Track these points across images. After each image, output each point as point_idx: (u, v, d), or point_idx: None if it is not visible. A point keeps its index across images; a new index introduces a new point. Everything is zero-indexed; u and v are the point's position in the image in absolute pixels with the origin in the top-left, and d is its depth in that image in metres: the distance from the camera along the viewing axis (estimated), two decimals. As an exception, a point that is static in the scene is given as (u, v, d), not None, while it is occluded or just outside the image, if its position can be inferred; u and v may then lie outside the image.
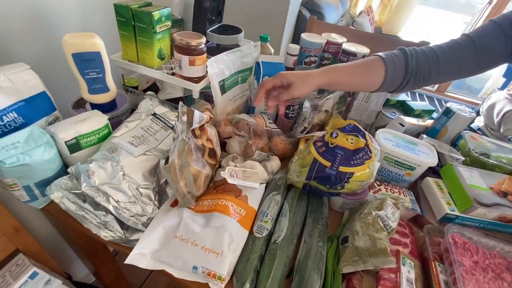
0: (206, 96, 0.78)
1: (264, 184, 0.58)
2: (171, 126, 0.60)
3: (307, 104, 0.66)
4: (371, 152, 0.52)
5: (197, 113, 0.51)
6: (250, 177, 0.55)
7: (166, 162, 0.46)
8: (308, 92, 0.55)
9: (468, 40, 0.52)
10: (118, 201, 0.48)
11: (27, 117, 0.49)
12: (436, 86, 2.94)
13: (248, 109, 0.80)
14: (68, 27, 0.70)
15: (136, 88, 0.76)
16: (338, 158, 0.51)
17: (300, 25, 1.36)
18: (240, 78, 0.73)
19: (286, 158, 0.66)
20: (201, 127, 0.54)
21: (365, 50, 0.76)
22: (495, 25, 0.50)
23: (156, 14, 0.59)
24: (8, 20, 0.57)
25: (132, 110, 0.65)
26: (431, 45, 0.55)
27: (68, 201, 0.47)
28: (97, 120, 0.53)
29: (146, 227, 0.48)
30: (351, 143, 0.53)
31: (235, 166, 0.58)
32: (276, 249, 0.45)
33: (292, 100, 0.68)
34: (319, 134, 0.62)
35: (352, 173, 0.50)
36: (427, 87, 3.00)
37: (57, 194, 0.46)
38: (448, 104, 0.69)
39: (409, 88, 0.57)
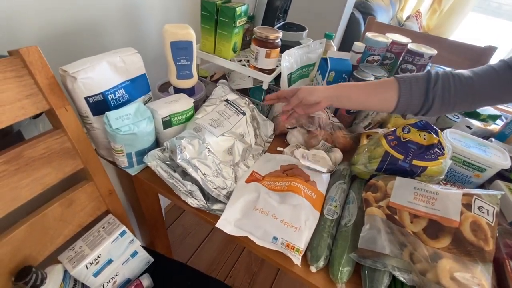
0: (269, 88, 0.82)
1: (329, 173, 0.61)
2: (241, 111, 0.65)
3: (374, 100, 0.67)
4: (444, 149, 0.53)
5: None
6: (319, 161, 0.59)
7: None
8: (314, 100, 0.55)
9: (506, 67, 0.49)
10: (205, 174, 0.53)
11: (131, 94, 0.56)
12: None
13: (307, 103, 0.83)
14: (152, 19, 0.78)
15: (205, 78, 0.83)
16: (411, 152, 0.52)
17: (352, 26, 1.37)
18: (304, 73, 0.77)
19: (346, 152, 0.69)
20: None
21: (432, 51, 0.75)
22: None
23: (239, 10, 0.65)
24: (108, 13, 0.65)
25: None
26: (467, 71, 0.52)
27: (161, 169, 0.53)
28: (185, 102, 0.59)
29: (226, 199, 0.53)
30: (424, 138, 0.54)
31: (302, 153, 0.61)
32: (348, 231, 0.48)
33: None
34: (381, 131, 0.63)
35: (426, 167, 0.51)
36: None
37: (154, 162, 0.53)
38: (522, 109, 0.67)
39: (436, 113, 0.54)
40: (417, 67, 0.76)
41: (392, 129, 0.58)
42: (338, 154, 0.64)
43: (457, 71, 0.53)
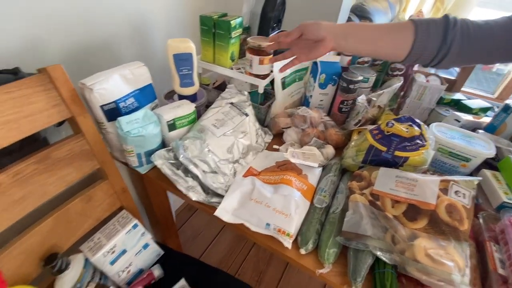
0: (267, 92, 0.89)
1: (321, 168, 0.65)
2: (245, 113, 0.70)
3: (362, 98, 0.72)
4: (425, 141, 0.56)
5: None
6: (309, 157, 0.63)
7: None
8: (319, 36, 0.49)
9: None
10: (204, 171, 0.59)
11: (140, 102, 0.64)
12: (497, 93, 2.68)
13: (302, 104, 0.88)
14: (158, 35, 0.86)
15: (207, 85, 0.90)
16: (394, 144, 0.56)
17: (349, 31, 1.41)
18: (297, 77, 0.83)
19: (339, 148, 0.73)
20: None
21: (418, 50, 0.79)
22: None
23: (233, 23, 0.72)
24: (118, 28, 0.74)
25: (206, 105, 0.78)
26: (483, 20, 0.45)
27: (166, 168, 0.60)
28: (188, 107, 0.66)
29: (224, 192, 0.58)
30: (406, 131, 0.58)
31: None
32: (335, 217, 0.52)
33: (346, 95, 0.75)
34: (370, 127, 0.68)
35: (407, 158, 0.55)
36: (486, 94, 2.76)
37: (160, 161, 0.60)
38: (508, 101, 0.69)
39: (451, 63, 0.47)
40: (405, 66, 0.80)
41: (377, 124, 0.62)
42: (329, 150, 0.69)
43: (479, 20, 0.46)
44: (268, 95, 0.89)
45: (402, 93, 0.88)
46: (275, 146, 0.73)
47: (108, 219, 0.66)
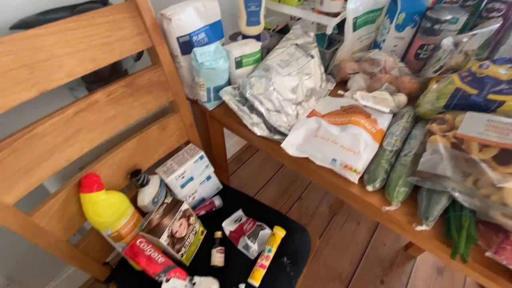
0: (331, 39, 0.83)
1: (391, 115, 0.61)
2: (310, 54, 0.68)
3: (449, 40, 0.63)
4: (530, 84, 0.48)
5: None
6: (380, 102, 0.60)
7: None
8: None
9: None
10: (268, 109, 0.60)
11: (209, 38, 0.65)
12: None
13: (371, 52, 0.81)
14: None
15: (269, 30, 0.87)
16: (488, 86, 0.50)
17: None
18: (370, 18, 0.75)
19: (411, 99, 0.67)
20: None
21: (530, -16, 0.65)
22: None
23: (307, -47, 0.66)
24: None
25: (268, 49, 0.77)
26: None
27: (233, 103, 0.62)
28: (254, 45, 0.66)
29: (287, 131, 0.59)
30: (505, 73, 0.50)
31: (363, 95, 0.63)
32: (407, 160, 0.50)
33: (427, 39, 0.67)
34: (459, 71, 0.60)
35: (503, 102, 0.48)
36: None
37: (227, 97, 0.62)
38: None
39: None
40: (506, 5, 0.67)
41: (468, 67, 0.55)
42: (402, 97, 0.64)
43: None
44: (332, 41, 0.84)
45: (492, 44, 0.75)
46: (340, 92, 0.70)
47: (177, 150, 0.73)
